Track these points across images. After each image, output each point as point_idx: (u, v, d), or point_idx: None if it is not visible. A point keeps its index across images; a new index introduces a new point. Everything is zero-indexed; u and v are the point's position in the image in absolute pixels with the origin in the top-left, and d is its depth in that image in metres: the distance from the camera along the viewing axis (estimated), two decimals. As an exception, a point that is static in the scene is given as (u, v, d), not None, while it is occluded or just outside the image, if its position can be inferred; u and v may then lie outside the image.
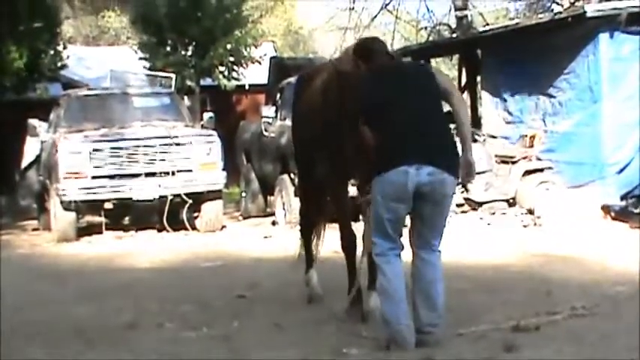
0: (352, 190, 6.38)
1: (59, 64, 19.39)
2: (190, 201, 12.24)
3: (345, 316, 5.98)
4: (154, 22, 20.96)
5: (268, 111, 13.42)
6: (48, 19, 18.62)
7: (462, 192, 12.06)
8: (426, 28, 20.66)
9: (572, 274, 7.51)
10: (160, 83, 16.97)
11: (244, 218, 14.47)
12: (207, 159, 12.45)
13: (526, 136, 13.08)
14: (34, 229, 14.04)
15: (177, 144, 12.34)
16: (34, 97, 18.73)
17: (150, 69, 20.35)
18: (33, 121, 13.68)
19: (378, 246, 5.28)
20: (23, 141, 14.64)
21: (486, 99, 14.67)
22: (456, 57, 18.86)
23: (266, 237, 11.52)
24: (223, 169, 12.73)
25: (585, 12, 11.88)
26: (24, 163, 14.77)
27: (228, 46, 21.45)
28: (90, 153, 12.01)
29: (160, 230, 12.40)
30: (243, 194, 14.89)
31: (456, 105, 5.40)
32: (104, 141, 12.22)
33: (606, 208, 11.21)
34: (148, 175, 12.17)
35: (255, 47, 22.11)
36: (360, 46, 5.74)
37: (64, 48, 19.81)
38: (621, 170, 11.83)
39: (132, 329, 6.07)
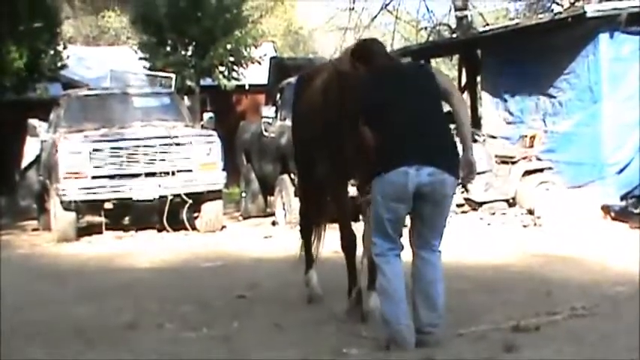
0: (352, 190, 6.37)
1: (59, 64, 19.38)
2: (190, 201, 12.24)
3: (345, 317, 5.98)
4: (154, 22, 20.95)
5: (268, 111, 13.41)
6: (48, 19, 18.61)
7: (462, 192, 12.06)
8: (426, 28, 20.67)
9: (572, 274, 7.51)
10: (160, 83, 16.96)
11: (244, 218, 14.46)
12: (207, 159, 12.45)
13: (526, 136, 13.08)
14: (34, 230, 14.04)
15: (178, 144, 12.34)
16: (34, 97, 18.71)
17: (150, 69, 20.34)
18: (33, 121, 13.68)
19: (377, 246, 5.28)
20: (23, 141, 14.61)
21: (486, 99, 14.67)
22: (456, 57, 18.86)
23: (266, 237, 11.52)
24: (223, 169, 12.73)
25: (585, 12, 11.88)
26: (24, 163, 14.74)
27: (228, 46, 21.44)
28: (90, 153, 12.01)
29: (160, 230, 12.40)
30: (243, 194, 14.88)
31: (456, 105, 5.40)
32: (104, 141, 12.22)
33: (606, 209, 11.21)
34: (148, 175, 12.17)
35: (255, 47, 22.09)
36: (359, 48, 5.71)
37: (64, 48, 19.81)
38: (621, 170, 11.83)
39: (132, 329, 6.07)
